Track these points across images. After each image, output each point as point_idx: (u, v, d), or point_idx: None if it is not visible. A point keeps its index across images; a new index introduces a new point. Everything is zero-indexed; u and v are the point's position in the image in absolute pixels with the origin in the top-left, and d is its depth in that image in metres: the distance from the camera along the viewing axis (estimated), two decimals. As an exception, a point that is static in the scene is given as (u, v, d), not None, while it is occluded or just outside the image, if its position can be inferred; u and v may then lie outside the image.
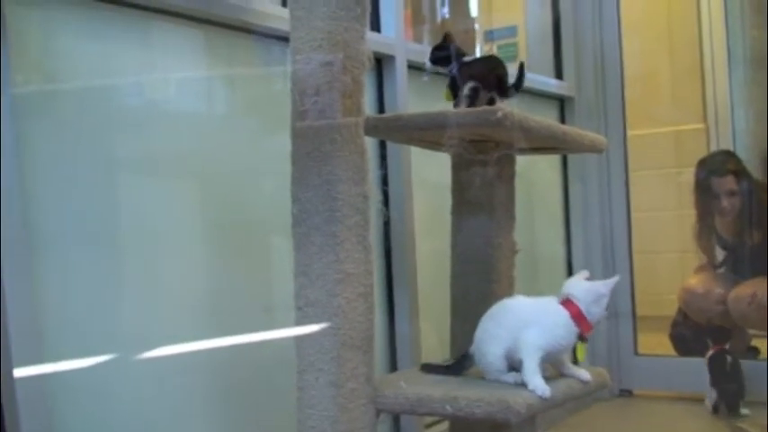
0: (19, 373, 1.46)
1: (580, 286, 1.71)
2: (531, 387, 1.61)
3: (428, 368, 1.86)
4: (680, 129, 4.63)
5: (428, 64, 1.94)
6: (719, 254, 3.53)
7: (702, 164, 3.49)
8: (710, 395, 3.00)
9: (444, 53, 1.92)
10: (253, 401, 1.93)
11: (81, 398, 1.61)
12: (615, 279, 1.73)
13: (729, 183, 3.37)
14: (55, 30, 1.61)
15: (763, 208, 3.38)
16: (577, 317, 1.67)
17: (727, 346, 3.07)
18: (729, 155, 3.72)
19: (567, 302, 1.69)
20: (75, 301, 1.61)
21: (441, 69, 1.93)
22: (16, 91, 1.51)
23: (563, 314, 1.68)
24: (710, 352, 3.05)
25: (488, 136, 1.91)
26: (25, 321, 1.49)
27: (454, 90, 1.92)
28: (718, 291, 3.34)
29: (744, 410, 2.94)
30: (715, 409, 3.00)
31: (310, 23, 1.55)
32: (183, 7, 1.81)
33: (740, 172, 3.41)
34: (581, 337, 1.69)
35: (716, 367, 3.01)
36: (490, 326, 1.73)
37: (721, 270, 3.49)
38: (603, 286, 1.71)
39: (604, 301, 1.70)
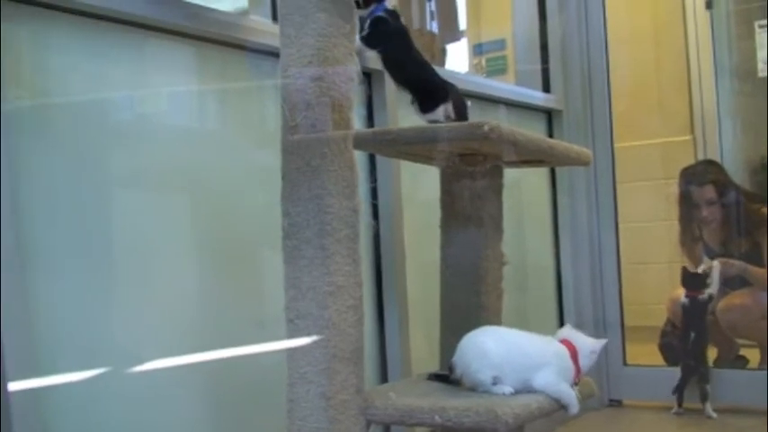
0: (13, 386, 1.47)
1: (578, 336, 1.79)
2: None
3: (435, 377, 1.89)
4: (668, 140, 4.67)
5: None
6: (707, 263, 3.56)
7: (684, 174, 3.54)
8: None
9: None
10: (244, 413, 1.94)
11: (74, 411, 1.62)
12: (604, 341, 1.83)
13: (709, 192, 3.41)
14: (48, 45, 1.63)
15: (749, 217, 3.41)
16: (574, 358, 1.74)
17: (704, 294, 3.09)
18: (711, 164, 3.76)
19: (565, 342, 1.76)
20: (68, 315, 1.62)
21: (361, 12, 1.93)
22: (10, 106, 1.52)
23: (565, 353, 1.74)
24: (684, 299, 3.10)
25: (476, 149, 1.94)
26: (19, 335, 1.50)
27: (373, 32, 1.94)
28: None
29: (712, 413, 2.98)
30: (679, 393, 3.04)
31: (300, 40, 1.57)
32: (176, 24, 1.83)
33: (721, 181, 3.45)
34: None
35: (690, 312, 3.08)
36: (485, 349, 1.73)
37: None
38: (597, 344, 1.79)
39: (594, 357, 1.78)
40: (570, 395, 1.70)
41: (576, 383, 1.75)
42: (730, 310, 3.33)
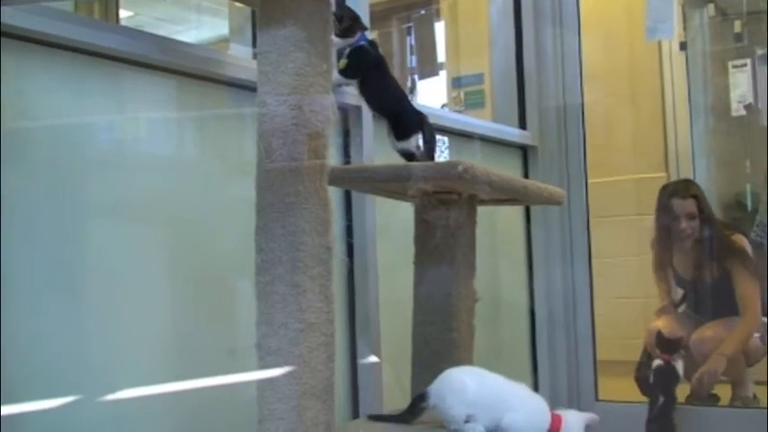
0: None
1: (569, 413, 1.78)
2: None
3: (376, 418, 1.88)
4: (642, 176, 4.72)
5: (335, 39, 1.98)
6: (677, 292, 3.60)
7: (665, 188, 3.58)
8: None
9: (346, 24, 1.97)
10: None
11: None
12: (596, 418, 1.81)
13: (690, 206, 3.43)
14: (27, 77, 1.64)
15: (721, 242, 3.44)
16: (555, 426, 1.73)
17: (677, 360, 3.09)
18: (692, 182, 3.82)
19: (557, 417, 1.75)
20: (40, 344, 1.62)
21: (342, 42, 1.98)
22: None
23: (545, 409, 1.74)
24: (657, 362, 3.09)
25: (450, 187, 1.95)
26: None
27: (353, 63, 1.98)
28: (682, 332, 3.38)
29: None
30: None
31: (277, 78, 1.58)
32: (153, 59, 1.85)
33: (701, 198, 3.48)
34: None
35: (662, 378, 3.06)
36: (463, 386, 1.74)
37: (681, 308, 3.56)
38: (587, 419, 1.77)
39: None
40: None
41: None
42: (703, 342, 3.34)
